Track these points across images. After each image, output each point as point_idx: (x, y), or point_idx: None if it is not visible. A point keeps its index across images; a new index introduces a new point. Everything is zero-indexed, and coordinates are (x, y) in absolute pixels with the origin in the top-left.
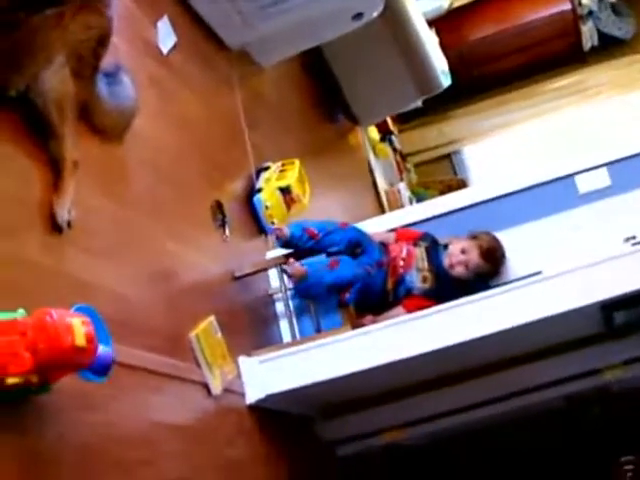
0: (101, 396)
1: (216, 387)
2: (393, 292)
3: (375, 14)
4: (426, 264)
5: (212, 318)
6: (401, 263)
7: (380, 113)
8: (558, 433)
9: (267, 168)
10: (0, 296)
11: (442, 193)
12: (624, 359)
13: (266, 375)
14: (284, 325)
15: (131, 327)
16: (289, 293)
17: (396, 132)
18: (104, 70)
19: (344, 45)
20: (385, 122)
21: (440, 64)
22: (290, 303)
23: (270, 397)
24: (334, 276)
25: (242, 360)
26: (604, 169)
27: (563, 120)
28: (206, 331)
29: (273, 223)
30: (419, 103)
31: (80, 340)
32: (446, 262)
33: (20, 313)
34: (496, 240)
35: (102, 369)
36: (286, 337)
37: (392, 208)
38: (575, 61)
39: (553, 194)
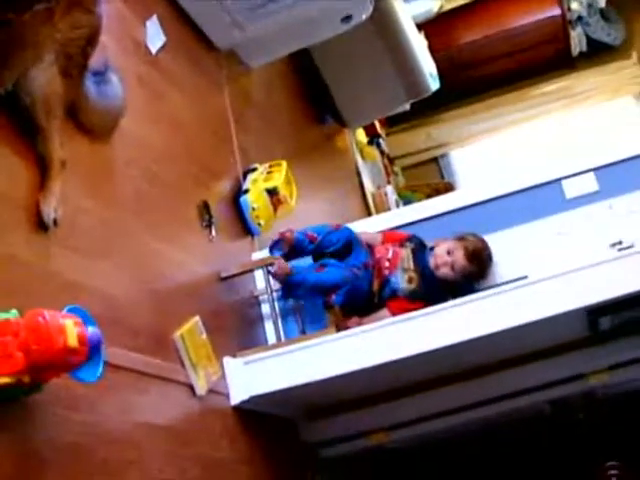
0: (86, 396)
1: (201, 388)
2: (379, 294)
3: (364, 17)
4: (412, 265)
5: (197, 318)
6: (386, 264)
7: (368, 116)
8: (543, 437)
9: (254, 169)
10: None
11: (429, 196)
12: (609, 364)
13: (251, 376)
14: (269, 326)
15: (116, 327)
16: (275, 294)
17: (384, 135)
18: (92, 69)
19: (333, 47)
20: (373, 125)
21: (429, 67)
22: (276, 304)
23: (254, 398)
24: (318, 277)
25: (227, 361)
26: (591, 174)
27: (551, 125)
28: (191, 331)
29: (260, 225)
30: (407, 106)
31: (72, 341)
32: (432, 263)
33: (13, 314)
34: (483, 242)
35: (94, 350)
36: (271, 339)
37: (379, 211)
38: (564, 66)
39: (540, 198)
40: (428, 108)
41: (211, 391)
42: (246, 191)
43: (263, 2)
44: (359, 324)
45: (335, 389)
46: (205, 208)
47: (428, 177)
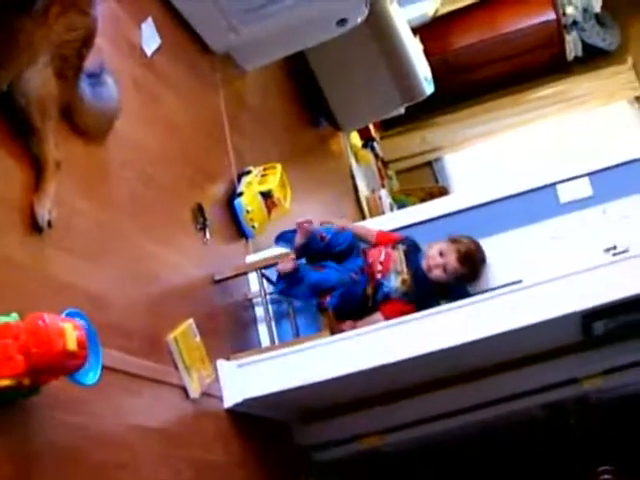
0: (80, 398)
1: (194, 390)
2: (372, 297)
3: (359, 20)
4: (404, 267)
5: (191, 321)
6: (379, 267)
7: (363, 119)
8: (536, 442)
9: (249, 172)
10: None
11: (423, 200)
12: (603, 369)
13: (244, 379)
14: (263, 329)
15: (110, 329)
16: (268, 297)
17: (378, 139)
18: (88, 71)
19: (328, 51)
20: (367, 128)
21: (423, 71)
22: (269, 307)
23: (248, 401)
24: (319, 276)
25: (220, 364)
26: (586, 179)
27: (546, 129)
28: (185, 334)
29: (254, 227)
30: (402, 110)
31: (71, 344)
32: (424, 265)
33: (13, 317)
34: (475, 244)
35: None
36: (265, 341)
37: (373, 214)
38: (559, 71)
39: (534, 203)
40: (423, 112)
41: (205, 394)
42: (240, 194)
43: (258, 5)
44: (354, 328)
45: (329, 392)
46: (199, 211)
47: (422, 181)
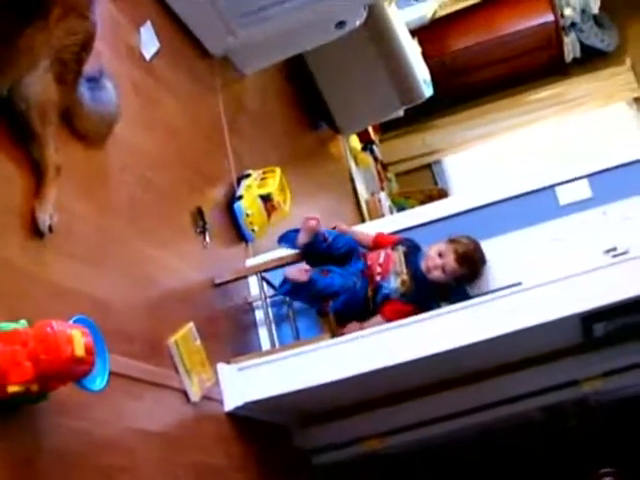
0: (81, 402)
1: (195, 394)
2: (373, 300)
3: (358, 23)
4: (404, 268)
5: (191, 325)
6: (378, 270)
7: (362, 122)
8: (536, 444)
9: (248, 175)
10: None
11: (422, 203)
12: (603, 371)
13: (245, 383)
14: (263, 333)
15: (111, 333)
16: (269, 301)
17: (377, 141)
18: (87, 75)
19: (327, 53)
20: (366, 131)
21: (422, 74)
22: (270, 311)
23: (248, 405)
24: (325, 282)
25: (221, 367)
26: (585, 180)
27: (544, 131)
28: (185, 338)
29: (254, 231)
30: (401, 112)
31: (80, 351)
32: (423, 266)
33: (22, 324)
34: (474, 244)
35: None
36: (265, 345)
37: (372, 217)
38: (557, 73)
39: (534, 205)
40: (422, 114)
41: (205, 397)
42: (240, 197)
43: (257, 8)
44: (362, 328)
45: (329, 395)
46: (199, 214)
47: (422, 183)
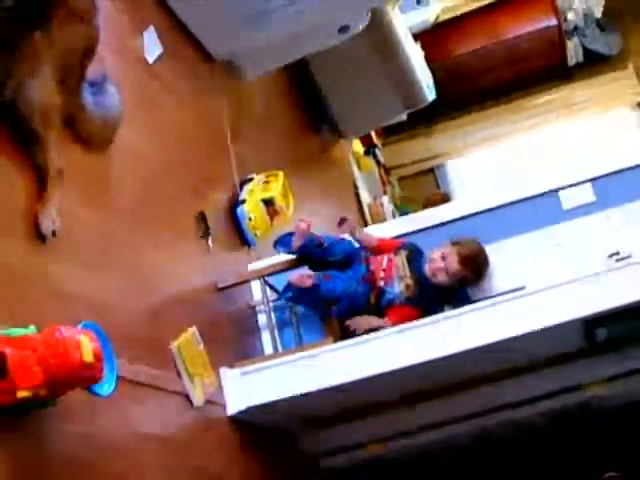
0: (83, 407)
1: (198, 398)
2: (376, 305)
3: (361, 27)
4: (407, 272)
5: (194, 329)
6: (381, 275)
7: (365, 126)
8: (540, 449)
9: (251, 180)
10: None
11: (425, 207)
12: (606, 376)
13: (247, 387)
14: (266, 337)
15: (114, 337)
16: (271, 305)
17: (380, 145)
18: (90, 79)
19: (330, 58)
20: (369, 135)
21: (425, 78)
22: (272, 315)
23: (251, 409)
24: (328, 287)
25: (224, 371)
26: (588, 185)
27: (547, 135)
28: (188, 342)
29: (256, 235)
30: (404, 117)
31: (88, 356)
32: (427, 269)
33: (31, 330)
34: (478, 246)
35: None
36: (268, 349)
37: (375, 221)
38: (560, 77)
39: (537, 209)
40: (425, 119)
41: (208, 401)
42: (243, 201)
43: (259, 12)
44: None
45: (332, 400)
46: (202, 218)
47: (424, 188)
